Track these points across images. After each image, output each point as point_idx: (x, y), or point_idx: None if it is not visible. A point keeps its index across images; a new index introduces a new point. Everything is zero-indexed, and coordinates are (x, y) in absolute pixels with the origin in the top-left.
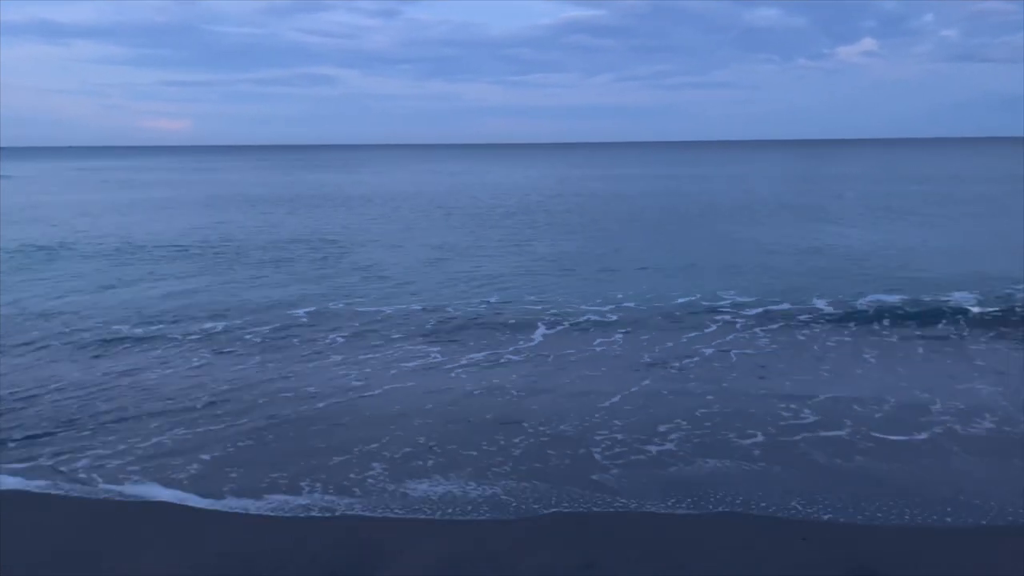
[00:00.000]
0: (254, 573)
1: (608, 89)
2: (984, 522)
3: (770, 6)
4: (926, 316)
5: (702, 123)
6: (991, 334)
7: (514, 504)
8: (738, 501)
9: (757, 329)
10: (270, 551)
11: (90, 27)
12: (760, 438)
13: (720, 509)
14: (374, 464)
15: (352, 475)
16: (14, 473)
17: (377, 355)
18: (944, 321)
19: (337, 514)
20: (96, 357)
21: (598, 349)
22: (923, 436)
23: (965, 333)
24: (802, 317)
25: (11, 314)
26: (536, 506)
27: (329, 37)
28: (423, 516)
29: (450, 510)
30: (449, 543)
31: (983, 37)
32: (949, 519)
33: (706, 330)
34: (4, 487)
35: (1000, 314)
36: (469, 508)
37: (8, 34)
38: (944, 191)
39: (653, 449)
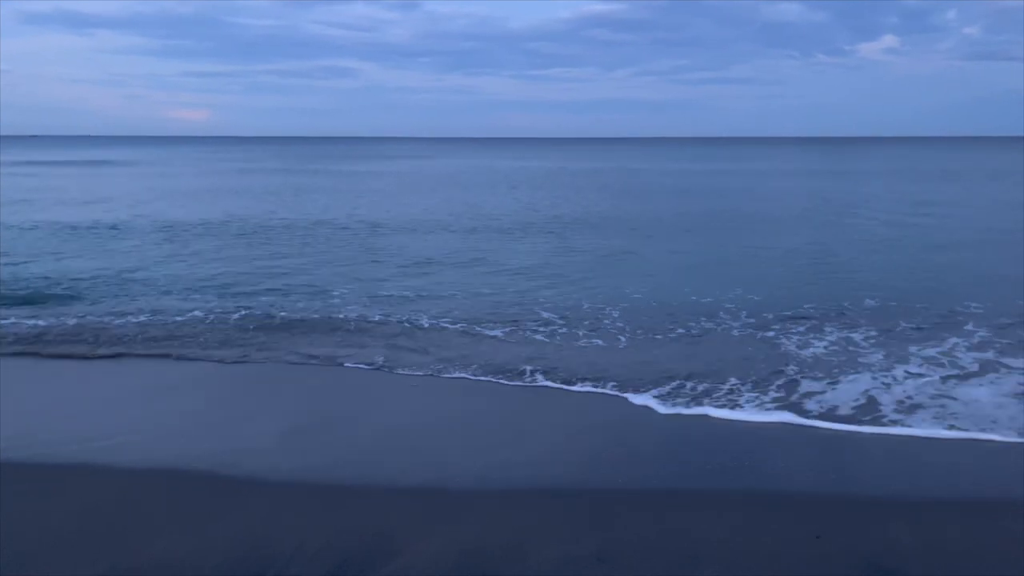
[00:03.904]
0: (265, 561)
1: (627, 83)
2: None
3: (791, 0)
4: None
5: (721, 119)
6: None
7: (527, 486)
8: (753, 478)
9: (772, 321)
10: (284, 533)
11: (113, 18)
12: (774, 416)
13: (735, 486)
14: (394, 445)
15: (374, 453)
16: (25, 446)
17: (407, 334)
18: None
19: (355, 488)
20: (122, 332)
21: (610, 331)
22: (943, 421)
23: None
24: (814, 318)
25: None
26: (551, 487)
27: (349, 30)
28: (437, 499)
29: (463, 491)
30: (461, 533)
31: (1006, 35)
32: (974, 504)
33: (717, 318)
34: (12, 459)
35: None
36: (483, 490)
37: (33, 23)
38: (969, 190)
39: (665, 423)
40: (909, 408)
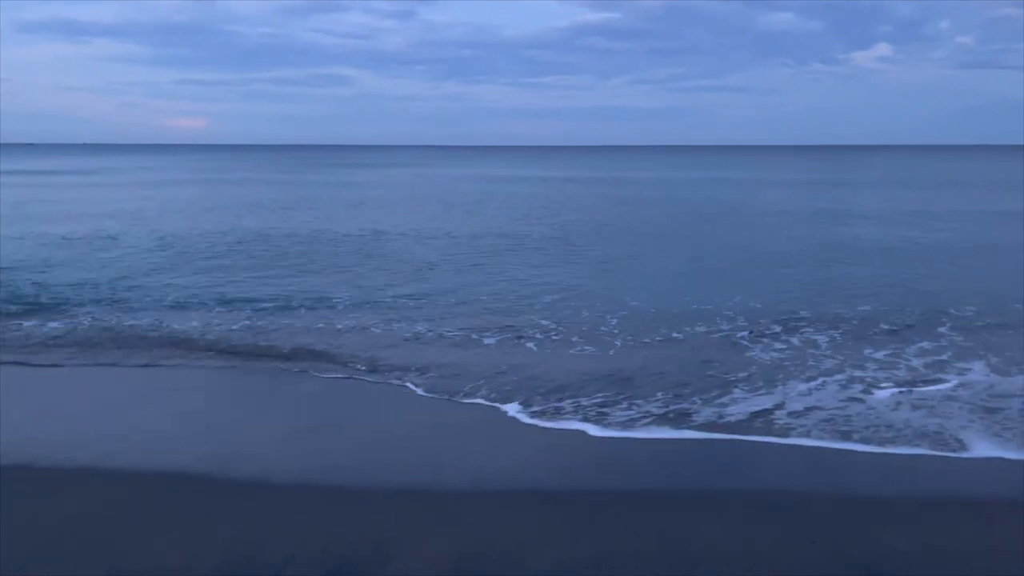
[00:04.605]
0: (261, 565)
1: (623, 92)
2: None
3: (785, 10)
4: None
5: (717, 127)
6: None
7: (523, 490)
8: (750, 482)
9: (754, 327)
10: (280, 537)
11: (110, 26)
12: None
13: (732, 487)
14: (394, 449)
15: (373, 456)
16: (25, 449)
17: (406, 344)
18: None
19: (351, 492)
20: (131, 337)
21: (605, 337)
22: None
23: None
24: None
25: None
26: (547, 490)
27: (345, 38)
28: (435, 504)
29: (459, 494)
30: (459, 537)
31: (999, 43)
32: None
33: (709, 325)
34: (12, 462)
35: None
36: (480, 495)
37: (29, 32)
38: (966, 199)
39: (662, 424)
40: (803, 414)
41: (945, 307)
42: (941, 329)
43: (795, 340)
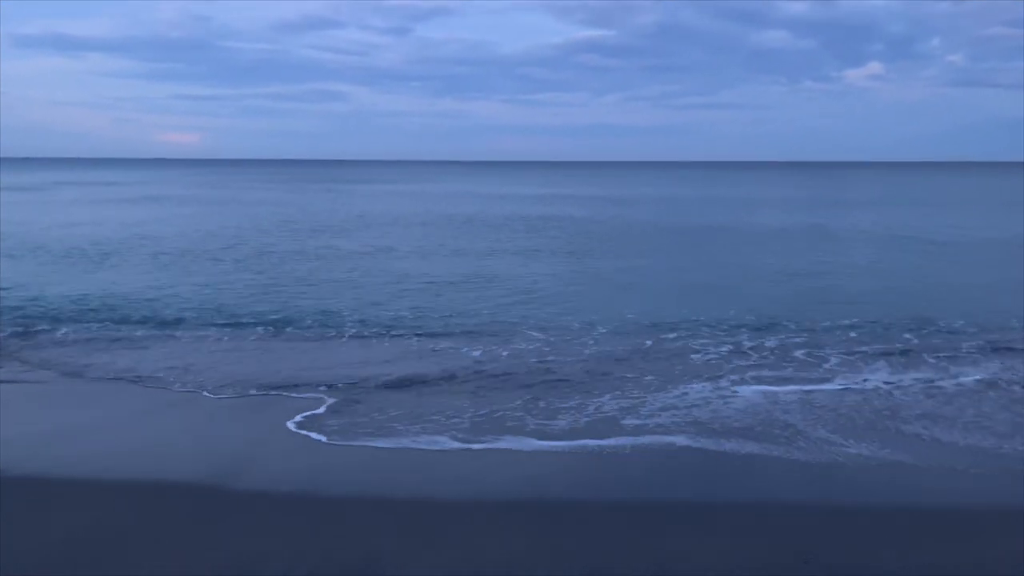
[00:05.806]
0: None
1: (617, 108)
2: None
3: (778, 27)
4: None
5: (710, 143)
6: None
7: (517, 505)
8: (742, 490)
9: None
10: (279, 550)
11: (104, 41)
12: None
13: (726, 499)
14: (387, 464)
15: (367, 469)
16: (26, 460)
17: (405, 357)
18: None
19: (349, 503)
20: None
21: (581, 347)
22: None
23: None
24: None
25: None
26: (541, 501)
27: (340, 54)
28: (429, 520)
29: (453, 510)
30: (454, 552)
31: (990, 62)
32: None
33: (693, 335)
34: (12, 473)
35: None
36: (473, 510)
37: (23, 46)
38: (953, 216)
39: (653, 437)
40: (655, 414)
41: (932, 319)
42: (907, 334)
43: (747, 345)
